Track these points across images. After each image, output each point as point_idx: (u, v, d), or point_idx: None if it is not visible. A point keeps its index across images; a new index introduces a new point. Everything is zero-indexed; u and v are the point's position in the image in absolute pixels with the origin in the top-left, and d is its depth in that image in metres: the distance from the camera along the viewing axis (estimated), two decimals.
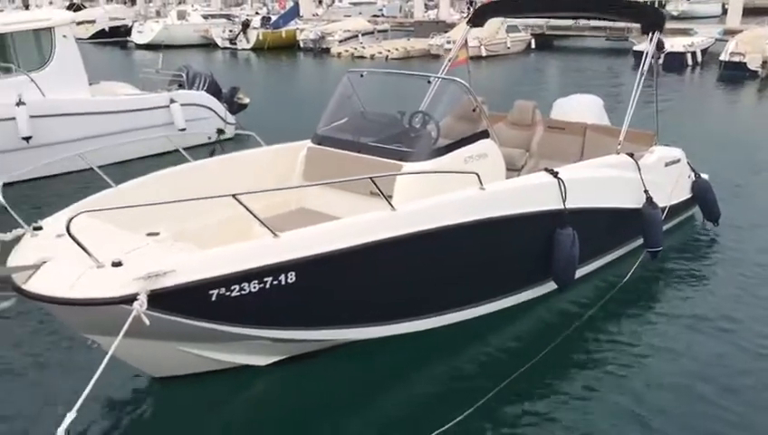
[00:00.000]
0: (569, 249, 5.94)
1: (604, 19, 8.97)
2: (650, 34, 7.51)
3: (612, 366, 5.33)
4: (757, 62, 24.76)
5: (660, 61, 27.92)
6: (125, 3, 46.88)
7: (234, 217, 5.38)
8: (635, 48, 27.15)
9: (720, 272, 7.19)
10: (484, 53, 31.44)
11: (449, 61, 8.63)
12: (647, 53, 7.45)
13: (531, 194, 5.88)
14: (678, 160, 7.93)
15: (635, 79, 7.47)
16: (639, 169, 7.00)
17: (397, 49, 32.33)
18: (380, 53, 31.94)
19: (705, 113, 18.36)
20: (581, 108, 8.44)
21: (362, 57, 31.68)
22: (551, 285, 6.28)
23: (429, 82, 6.69)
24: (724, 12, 40.29)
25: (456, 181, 5.41)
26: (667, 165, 7.66)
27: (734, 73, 24.74)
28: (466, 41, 8.66)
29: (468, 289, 5.75)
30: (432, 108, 6.47)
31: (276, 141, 6.75)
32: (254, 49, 35.14)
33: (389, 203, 4.88)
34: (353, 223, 4.75)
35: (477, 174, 5.41)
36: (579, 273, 6.37)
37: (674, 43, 28.42)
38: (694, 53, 29.17)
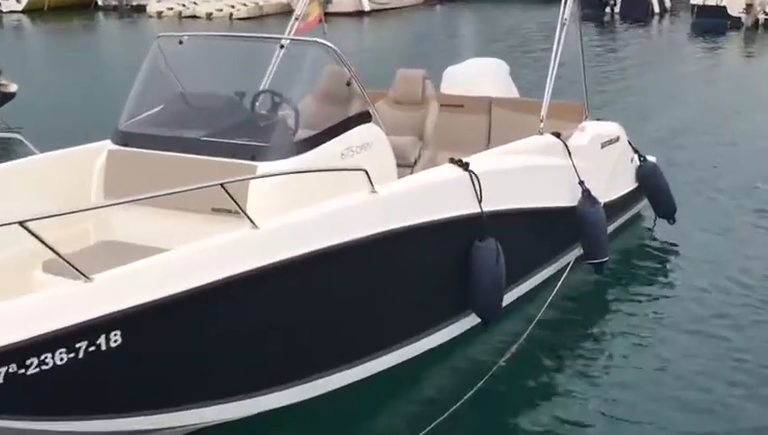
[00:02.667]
0: (492, 267, 6.25)
1: None
2: None
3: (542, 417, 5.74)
4: (740, 6, 26.73)
5: (617, 8, 29.62)
6: None
7: (3, 259, 5.31)
8: None
9: (679, 291, 7.64)
10: (367, 8, 32.16)
11: (296, 19, 8.82)
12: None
13: (437, 195, 6.16)
14: (617, 139, 8.46)
15: (576, 38, 8.06)
16: (570, 154, 7.44)
17: (244, 5, 32.53)
18: (220, 10, 32.07)
19: (669, 77, 19.52)
20: (480, 76, 8.88)
21: (194, 17, 31.71)
22: (472, 319, 6.58)
23: (282, 46, 6.85)
24: None
25: (333, 184, 5.54)
26: (603, 146, 8.16)
27: (712, 21, 26.71)
28: None
29: (365, 334, 5.91)
30: (286, 84, 6.57)
31: (60, 145, 6.61)
32: (27, 11, 34.32)
33: (250, 220, 4.90)
34: (202, 251, 4.76)
35: (366, 171, 5.60)
36: (506, 299, 6.65)
37: None
38: None
